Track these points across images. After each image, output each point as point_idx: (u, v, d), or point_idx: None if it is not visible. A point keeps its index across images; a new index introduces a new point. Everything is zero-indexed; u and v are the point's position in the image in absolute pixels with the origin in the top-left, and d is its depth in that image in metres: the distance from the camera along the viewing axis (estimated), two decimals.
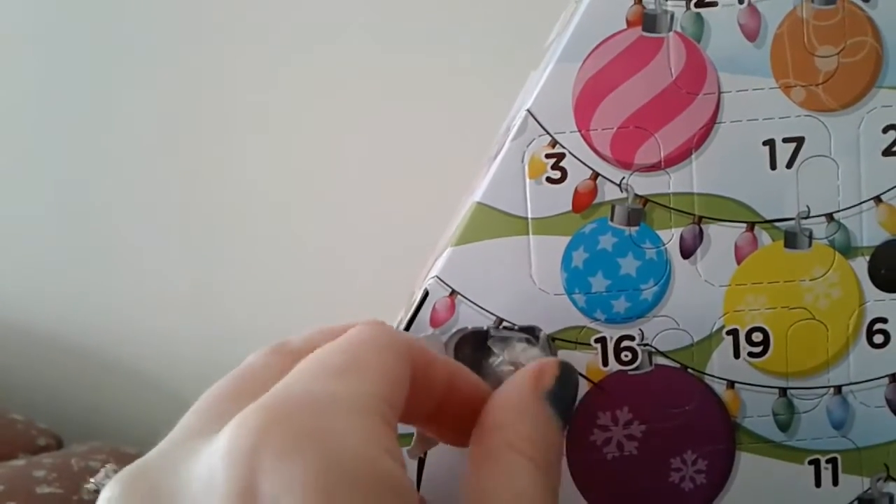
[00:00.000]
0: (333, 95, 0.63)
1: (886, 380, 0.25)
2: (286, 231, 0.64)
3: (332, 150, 0.63)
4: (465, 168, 0.31)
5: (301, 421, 0.16)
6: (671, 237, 0.25)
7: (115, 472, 0.18)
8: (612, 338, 0.25)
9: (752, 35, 0.24)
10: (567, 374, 0.22)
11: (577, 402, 0.22)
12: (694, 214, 0.24)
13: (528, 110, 0.25)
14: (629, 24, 0.24)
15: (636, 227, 0.25)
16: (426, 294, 0.25)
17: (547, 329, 0.25)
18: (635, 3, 0.24)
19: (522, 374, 0.21)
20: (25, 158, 0.68)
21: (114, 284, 0.67)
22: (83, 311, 0.68)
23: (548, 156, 0.25)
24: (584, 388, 0.25)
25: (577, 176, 0.24)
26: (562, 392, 0.21)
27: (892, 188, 0.24)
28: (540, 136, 0.24)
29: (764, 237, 0.24)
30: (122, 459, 0.57)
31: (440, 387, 0.21)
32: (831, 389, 0.25)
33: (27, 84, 0.67)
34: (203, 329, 0.66)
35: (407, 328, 0.25)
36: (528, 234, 0.25)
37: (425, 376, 0.20)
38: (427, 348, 0.21)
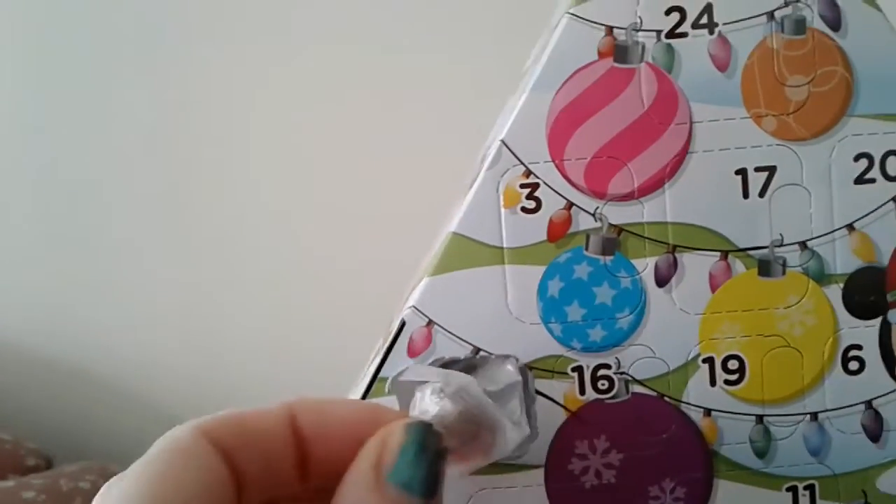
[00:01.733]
0: (332, 101, 0.63)
1: (862, 406, 0.25)
2: (280, 245, 0.64)
3: (329, 157, 0.63)
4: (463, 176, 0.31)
5: None
6: (646, 266, 0.25)
7: None
8: (588, 366, 0.25)
9: (722, 65, 0.24)
10: (414, 440, 0.19)
11: (441, 465, 0.19)
12: (668, 243, 0.25)
13: (503, 140, 0.25)
14: (601, 54, 0.24)
15: (611, 257, 0.25)
16: (403, 324, 0.25)
17: (523, 358, 0.25)
18: (607, 35, 0.24)
19: (362, 456, 0.19)
20: (11, 173, 0.68)
21: (104, 301, 0.67)
22: (72, 329, 0.68)
23: (522, 185, 0.25)
24: (561, 417, 0.25)
25: (552, 206, 0.25)
26: (411, 466, 0.18)
27: (864, 216, 0.24)
28: (514, 166, 0.25)
29: (738, 265, 0.25)
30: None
31: (291, 462, 0.19)
32: (807, 416, 0.25)
33: (16, 86, 0.67)
34: (195, 348, 0.66)
35: (384, 358, 0.25)
36: (503, 263, 0.25)
37: (264, 459, 0.19)
38: (260, 426, 0.19)
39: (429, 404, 0.21)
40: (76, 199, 0.67)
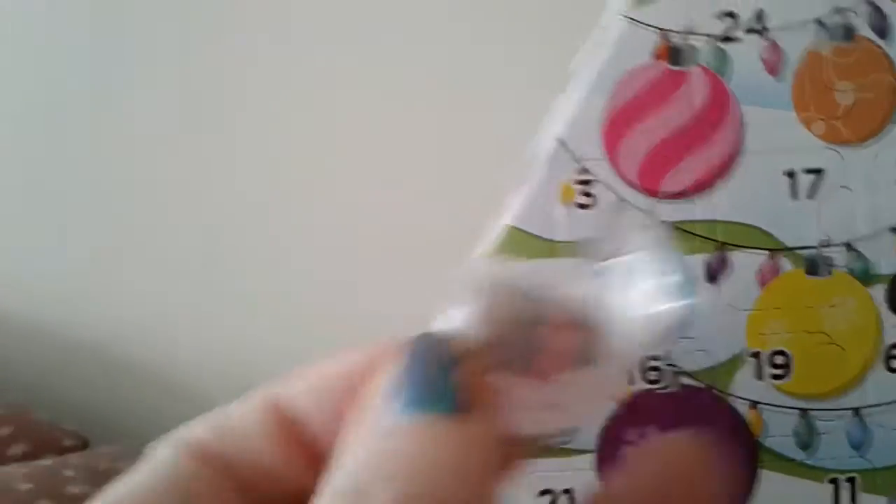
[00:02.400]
0: (341, 102, 0.64)
1: None
2: (304, 227, 0.66)
3: (340, 155, 0.64)
4: (477, 176, 0.32)
5: None
6: (698, 262, 0.25)
7: None
8: (635, 360, 0.26)
9: (773, 69, 0.25)
10: (413, 357, 0.16)
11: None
12: (718, 241, 0.25)
13: (559, 138, 0.26)
14: (655, 57, 0.25)
15: (663, 252, 0.25)
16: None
17: None
18: (661, 38, 0.25)
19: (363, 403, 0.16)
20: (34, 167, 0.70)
21: (138, 288, 0.69)
22: (107, 314, 0.70)
23: (578, 182, 0.26)
24: (611, 406, 0.26)
25: (606, 200, 0.25)
26: (417, 386, 0.15)
27: None
28: (570, 162, 0.25)
29: (786, 264, 0.25)
30: None
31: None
32: (850, 411, 0.26)
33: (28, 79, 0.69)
34: (225, 334, 0.68)
35: None
36: (556, 256, 0.26)
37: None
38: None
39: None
40: (108, 188, 0.69)
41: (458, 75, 0.61)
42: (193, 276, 0.68)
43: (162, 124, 0.67)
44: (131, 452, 0.59)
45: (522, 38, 0.60)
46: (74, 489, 0.54)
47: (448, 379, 0.15)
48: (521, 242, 0.26)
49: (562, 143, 0.25)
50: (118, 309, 0.70)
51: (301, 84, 0.65)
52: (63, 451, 0.61)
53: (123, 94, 0.67)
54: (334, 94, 0.64)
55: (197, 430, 0.17)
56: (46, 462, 0.57)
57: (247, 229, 0.67)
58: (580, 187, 0.25)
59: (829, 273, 0.25)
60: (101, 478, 0.55)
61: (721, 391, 0.26)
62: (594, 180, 0.25)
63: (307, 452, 0.17)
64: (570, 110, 0.26)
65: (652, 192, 0.25)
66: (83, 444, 0.63)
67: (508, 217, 0.26)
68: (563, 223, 0.26)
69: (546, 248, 0.26)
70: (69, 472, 0.55)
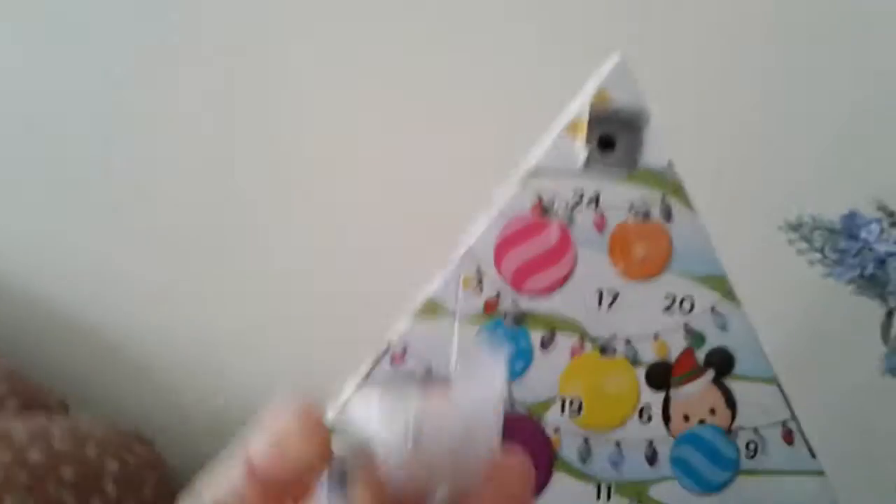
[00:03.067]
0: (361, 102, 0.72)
1: (646, 443, 0.42)
2: (308, 223, 0.73)
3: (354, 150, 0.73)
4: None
5: None
6: (537, 336, 0.41)
7: None
8: None
9: (600, 229, 0.42)
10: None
11: None
12: (551, 325, 0.41)
13: (470, 248, 0.41)
14: (532, 209, 0.41)
15: (518, 328, 0.41)
16: (388, 347, 0.41)
17: None
18: (537, 199, 0.41)
19: None
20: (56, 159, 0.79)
21: (125, 271, 0.78)
22: (95, 293, 0.79)
23: (475, 276, 0.41)
24: None
25: (489, 291, 0.41)
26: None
27: (665, 330, 0.42)
28: (472, 264, 0.41)
29: (588, 346, 0.42)
30: (121, 433, 0.70)
31: None
32: (614, 442, 0.42)
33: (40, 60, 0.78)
34: (199, 329, 0.78)
35: (369, 371, 0.41)
36: (454, 321, 0.41)
37: None
38: None
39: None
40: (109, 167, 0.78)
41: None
42: (176, 263, 0.78)
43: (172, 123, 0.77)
44: (104, 420, 0.70)
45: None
46: (59, 444, 0.64)
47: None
48: (435, 309, 0.41)
49: (469, 251, 0.41)
50: (105, 288, 0.80)
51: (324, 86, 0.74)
52: (49, 410, 0.72)
53: (152, 87, 0.77)
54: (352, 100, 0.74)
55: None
56: (38, 420, 0.68)
57: (230, 222, 0.76)
58: (475, 279, 0.41)
59: (614, 355, 0.42)
60: (81, 438, 0.66)
61: (539, 418, 0.41)
62: (484, 276, 0.41)
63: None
64: (478, 231, 0.42)
65: (518, 289, 0.41)
66: (65, 406, 0.74)
67: (430, 290, 0.41)
68: (461, 300, 0.41)
69: (449, 314, 0.41)
70: (56, 430, 0.66)
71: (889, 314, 0.47)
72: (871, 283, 0.47)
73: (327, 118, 0.74)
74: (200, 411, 0.78)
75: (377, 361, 0.41)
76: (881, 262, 0.47)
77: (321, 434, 0.23)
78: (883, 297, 0.46)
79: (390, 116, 0.73)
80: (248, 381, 0.77)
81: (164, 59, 0.76)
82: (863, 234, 0.47)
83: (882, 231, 0.47)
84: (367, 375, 0.41)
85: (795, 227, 0.46)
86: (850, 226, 0.47)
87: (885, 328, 0.48)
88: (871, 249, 0.47)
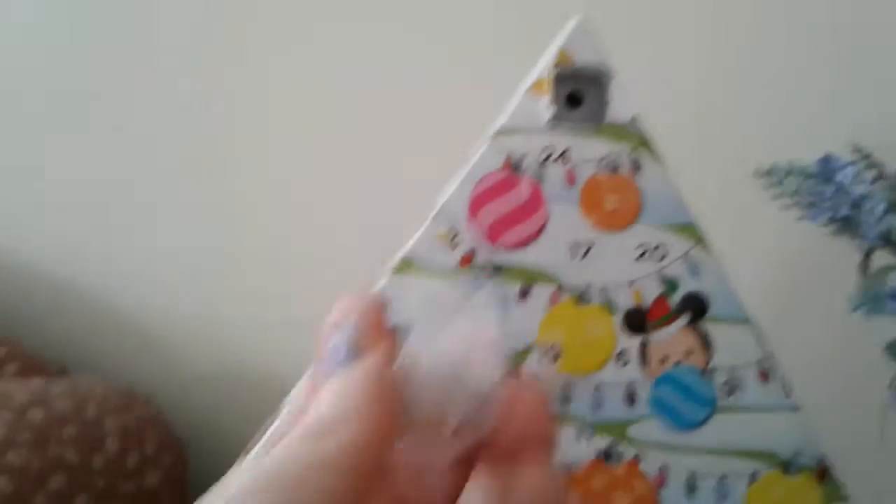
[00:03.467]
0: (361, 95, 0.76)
1: (624, 385, 0.44)
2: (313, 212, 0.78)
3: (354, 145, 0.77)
4: None
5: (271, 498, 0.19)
6: (514, 287, 0.43)
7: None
8: None
9: (570, 182, 0.43)
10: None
11: None
12: (528, 277, 0.43)
13: (443, 205, 0.43)
14: (503, 167, 0.43)
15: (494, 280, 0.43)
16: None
17: None
18: (507, 156, 0.43)
19: None
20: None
21: (128, 241, 0.82)
22: (96, 261, 0.83)
23: (449, 232, 0.43)
24: None
25: (464, 247, 0.43)
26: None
27: (639, 278, 0.43)
28: (446, 221, 0.43)
29: (565, 295, 0.43)
30: (120, 392, 0.74)
31: None
32: (593, 385, 0.44)
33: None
34: (193, 291, 0.81)
35: None
36: (430, 277, 0.43)
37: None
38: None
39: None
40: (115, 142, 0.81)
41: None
42: (179, 235, 0.81)
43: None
44: (103, 382, 0.74)
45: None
46: (60, 404, 0.68)
47: (347, 344, 0.23)
48: (411, 267, 0.43)
49: (443, 209, 0.43)
50: (106, 256, 0.83)
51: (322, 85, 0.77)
52: (47, 374, 0.76)
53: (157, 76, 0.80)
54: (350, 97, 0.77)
55: None
56: (38, 381, 0.71)
57: (236, 205, 0.80)
58: (450, 235, 0.43)
59: (589, 303, 0.44)
60: (81, 398, 0.70)
61: (518, 366, 0.43)
62: (459, 233, 0.43)
63: None
64: (452, 188, 0.43)
65: (493, 244, 0.43)
66: (64, 370, 0.78)
67: (405, 250, 0.44)
68: (437, 256, 0.43)
69: (426, 270, 0.43)
70: (56, 390, 0.70)
71: (867, 254, 0.48)
72: (847, 225, 0.48)
73: (323, 116, 0.76)
74: (197, 369, 0.81)
75: None
76: (856, 204, 0.48)
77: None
78: (858, 238, 0.47)
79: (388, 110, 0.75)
80: (244, 337, 0.80)
81: (157, 57, 0.78)
82: (838, 178, 0.48)
83: (857, 174, 0.48)
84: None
85: (769, 172, 0.47)
86: (825, 170, 0.48)
87: (863, 269, 0.49)
88: (847, 192, 0.48)
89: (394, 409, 0.23)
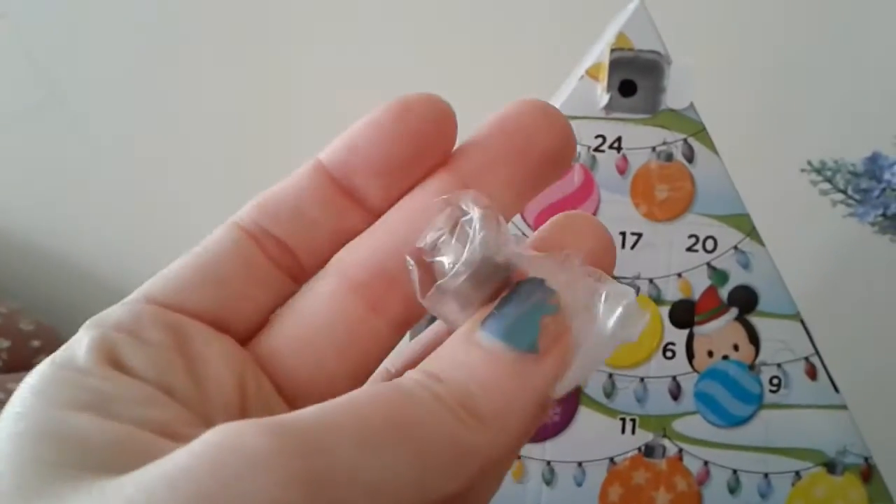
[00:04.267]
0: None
1: (670, 378, 0.43)
2: None
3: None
4: None
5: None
6: None
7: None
8: None
9: (622, 171, 0.42)
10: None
11: None
12: None
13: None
14: None
15: None
16: None
17: None
18: None
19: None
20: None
21: (167, 243, 0.82)
22: (136, 263, 0.83)
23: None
24: None
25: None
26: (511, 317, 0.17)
27: (688, 270, 0.43)
28: None
29: None
30: None
31: None
32: (638, 378, 0.43)
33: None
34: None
35: None
36: None
37: None
38: None
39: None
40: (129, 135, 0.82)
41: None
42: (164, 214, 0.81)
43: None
44: None
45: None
46: None
47: (536, 322, 0.16)
48: None
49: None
50: (143, 254, 0.83)
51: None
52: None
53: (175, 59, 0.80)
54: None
55: (249, 212, 0.19)
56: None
57: (214, 180, 0.79)
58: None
59: (637, 294, 0.43)
60: None
61: None
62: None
63: (350, 199, 0.19)
64: None
65: None
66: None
67: None
68: None
69: None
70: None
71: None
72: (894, 223, 0.47)
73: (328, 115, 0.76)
74: None
75: None
76: None
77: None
78: None
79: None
80: None
81: (168, 58, 0.78)
82: (886, 176, 0.47)
83: None
84: None
85: (818, 169, 0.47)
86: (873, 167, 0.47)
87: None
88: (894, 189, 0.47)
89: None
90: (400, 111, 0.18)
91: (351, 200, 0.19)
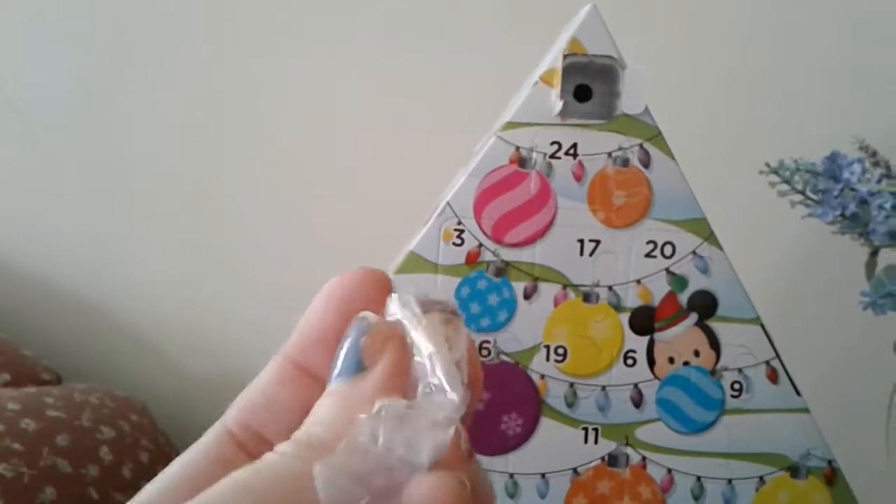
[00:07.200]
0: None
1: (631, 385, 0.43)
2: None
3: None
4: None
5: None
6: (520, 287, 0.42)
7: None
8: (476, 341, 0.42)
9: (578, 178, 0.42)
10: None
11: None
12: (533, 275, 0.42)
13: (448, 202, 0.42)
14: (511, 161, 0.42)
15: (500, 279, 0.42)
16: None
17: None
18: (515, 150, 0.42)
19: None
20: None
21: (128, 251, 0.80)
22: (93, 269, 0.81)
23: (455, 229, 0.42)
24: None
25: (470, 243, 0.42)
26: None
27: (647, 276, 0.42)
28: (452, 217, 0.42)
29: (571, 294, 0.42)
30: (115, 399, 0.72)
31: None
32: (599, 387, 0.43)
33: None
34: (191, 297, 0.80)
35: None
36: (437, 273, 0.42)
37: None
38: None
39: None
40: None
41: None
42: (177, 248, 0.80)
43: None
44: (100, 389, 0.73)
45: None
46: (53, 413, 0.66)
47: (357, 347, 0.21)
48: (417, 263, 0.42)
49: (448, 204, 0.42)
50: (101, 263, 0.82)
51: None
52: (41, 383, 0.74)
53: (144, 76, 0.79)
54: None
55: (232, 411, 0.23)
56: (31, 390, 0.70)
57: (233, 215, 0.79)
58: (456, 232, 0.42)
59: (597, 302, 0.42)
60: (75, 408, 0.68)
61: (524, 366, 0.42)
62: (465, 229, 0.42)
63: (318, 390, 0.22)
64: (457, 185, 0.42)
65: (498, 241, 0.42)
66: (58, 380, 0.76)
67: (411, 245, 0.42)
68: (443, 253, 0.42)
69: (431, 267, 0.42)
70: (49, 399, 0.68)
71: (874, 253, 0.48)
72: (854, 223, 0.47)
73: (316, 115, 0.75)
74: (194, 379, 0.79)
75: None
76: (863, 201, 0.47)
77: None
78: (865, 236, 0.47)
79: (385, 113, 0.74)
80: (242, 344, 0.78)
81: (151, 56, 0.77)
82: (845, 175, 0.47)
83: (864, 171, 0.47)
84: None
85: (776, 169, 0.46)
86: (832, 167, 0.47)
87: (870, 267, 0.48)
88: (853, 189, 0.47)
89: None
90: (331, 293, 0.23)
91: (312, 378, 0.23)
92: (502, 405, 0.42)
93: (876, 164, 0.49)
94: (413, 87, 0.74)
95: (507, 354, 0.42)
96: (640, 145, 0.42)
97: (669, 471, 0.43)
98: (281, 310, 0.76)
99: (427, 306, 0.22)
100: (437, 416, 0.20)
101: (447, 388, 0.20)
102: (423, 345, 0.21)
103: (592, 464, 0.43)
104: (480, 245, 0.42)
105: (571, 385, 0.43)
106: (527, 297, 0.42)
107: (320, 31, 0.75)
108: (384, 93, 0.74)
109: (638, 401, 0.43)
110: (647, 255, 0.42)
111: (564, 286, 0.42)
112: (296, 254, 0.77)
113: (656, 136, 0.42)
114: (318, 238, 0.76)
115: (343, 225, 0.76)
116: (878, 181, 0.48)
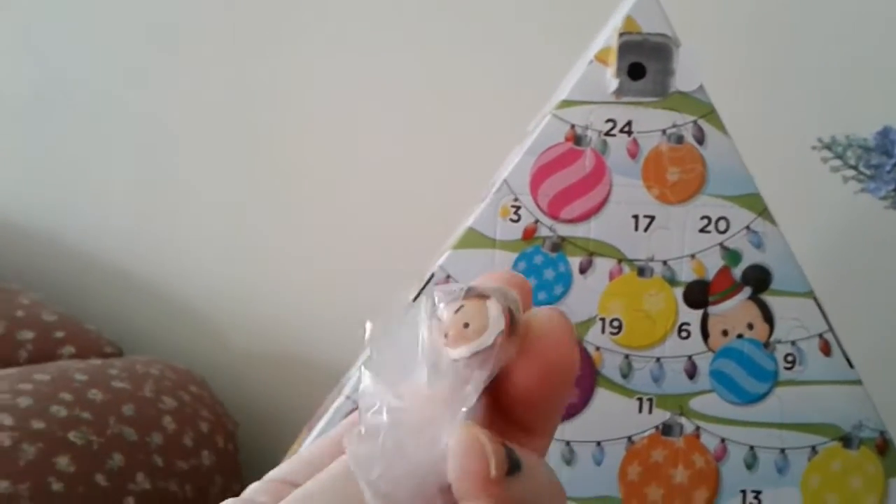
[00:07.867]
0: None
1: (686, 358, 0.44)
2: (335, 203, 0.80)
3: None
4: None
5: None
6: (576, 261, 0.43)
7: None
8: None
9: (633, 155, 0.43)
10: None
11: None
12: (589, 250, 0.43)
13: (505, 179, 0.43)
14: (566, 139, 0.43)
15: (556, 254, 0.43)
16: (432, 276, 0.43)
17: None
18: (570, 128, 0.43)
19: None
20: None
21: (178, 230, 0.83)
22: (148, 248, 0.85)
23: (512, 205, 0.43)
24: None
25: (527, 219, 0.43)
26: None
27: (701, 251, 0.43)
28: (509, 194, 0.43)
29: (626, 268, 0.43)
30: (176, 371, 0.74)
31: None
32: (654, 359, 0.44)
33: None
34: (243, 275, 0.83)
35: (416, 297, 0.43)
36: (494, 248, 0.43)
37: None
38: None
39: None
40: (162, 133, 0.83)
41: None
42: (224, 226, 0.83)
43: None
44: (160, 361, 0.75)
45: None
46: (118, 384, 0.69)
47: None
48: (476, 239, 0.43)
49: (505, 182, 0.43)
50: (160, 241, 0.85)
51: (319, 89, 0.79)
52: (105, 356, 0.77)
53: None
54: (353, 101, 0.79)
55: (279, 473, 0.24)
56: (96, 362, 0.73)
57: (271, 198, 0.81)
58: (513, 209, 0.43)
59: (651, 276, 0.43)
60: (138, 379, 0.71)
61: (580, 338, 0.43)
62: (521, 206, 0.43)
63: None
64: (513, 163, 0.43)
65: (554, 217, 0.43)
66: (119, 352, 0.79)
67: (469, 222, 0.43)
68: (500, 229, 0.43)
69: (489, 243, 0.43)
70: (113, 371, 0.71)
71: None
72: None
73: (332, 117, 0.77)
74: (249, 351, 0.82)
75: (422, 291, 0.43)
76: None
77: None
78: None
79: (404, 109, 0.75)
80: (299, 319, 0.80)
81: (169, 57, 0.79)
82: None
83: None
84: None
85: (829, 145, 0.47)
86: (884, 142, 0.47)
87: None
88: None
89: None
90: None
91: None
92: None
93: None
94: (441, 86, 0.75)
95: None
96: (695, 122, 0.43)
97: (723, 440, 0.44)
98: (345, 287, 0.80)
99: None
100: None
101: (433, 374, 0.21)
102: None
103: (647, 433, 0.44)
104: (537, 221, 0.43)
105: (626, 357, 0.44)
106: (582, 271, 0.43)
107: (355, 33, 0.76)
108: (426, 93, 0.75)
109: (692, 372, 0.44)
110: (702, 231, 0.43)
111: (619, 261, 0.43)
112: (338, 238, 0.79)
113: (710, 113, 0.43)
114: (362, 224, 0.78)
115: (382, 212, 0.78)
116: None
